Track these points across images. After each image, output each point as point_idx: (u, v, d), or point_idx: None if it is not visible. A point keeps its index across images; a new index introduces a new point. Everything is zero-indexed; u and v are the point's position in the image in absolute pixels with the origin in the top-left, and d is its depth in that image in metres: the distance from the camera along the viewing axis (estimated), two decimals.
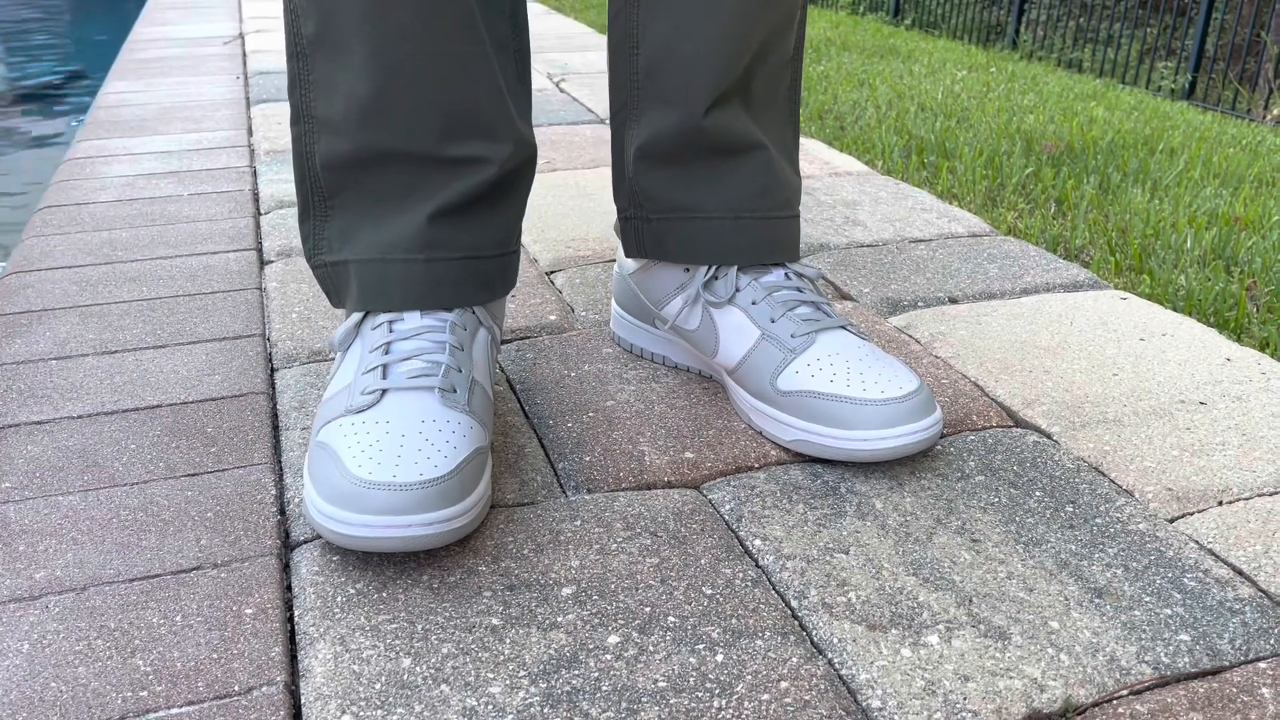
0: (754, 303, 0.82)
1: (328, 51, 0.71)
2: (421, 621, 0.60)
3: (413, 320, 0.74)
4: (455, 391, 0.70)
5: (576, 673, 0.57)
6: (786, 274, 0.84)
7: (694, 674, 0.57)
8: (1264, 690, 0.56)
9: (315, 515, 0.64)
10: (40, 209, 1.35)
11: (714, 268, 0.84)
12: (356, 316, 0.75)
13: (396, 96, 0.72)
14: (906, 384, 0.75)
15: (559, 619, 0.61)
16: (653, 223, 0.85)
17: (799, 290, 0.82)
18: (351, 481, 0.62)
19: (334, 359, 0.77)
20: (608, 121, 1.92)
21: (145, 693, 0.55)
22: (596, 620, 0.61)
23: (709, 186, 0.83)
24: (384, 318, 0.74)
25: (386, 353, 0.72)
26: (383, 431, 0.65)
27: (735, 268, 0.83)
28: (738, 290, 0.83)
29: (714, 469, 0.77)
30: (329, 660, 0.57)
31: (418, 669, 0.57)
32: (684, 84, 0.79)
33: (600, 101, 2.07)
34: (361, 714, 0.54)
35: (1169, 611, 0.62)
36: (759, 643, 0.59)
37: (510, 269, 0.81)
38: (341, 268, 0.76)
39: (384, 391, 0.69)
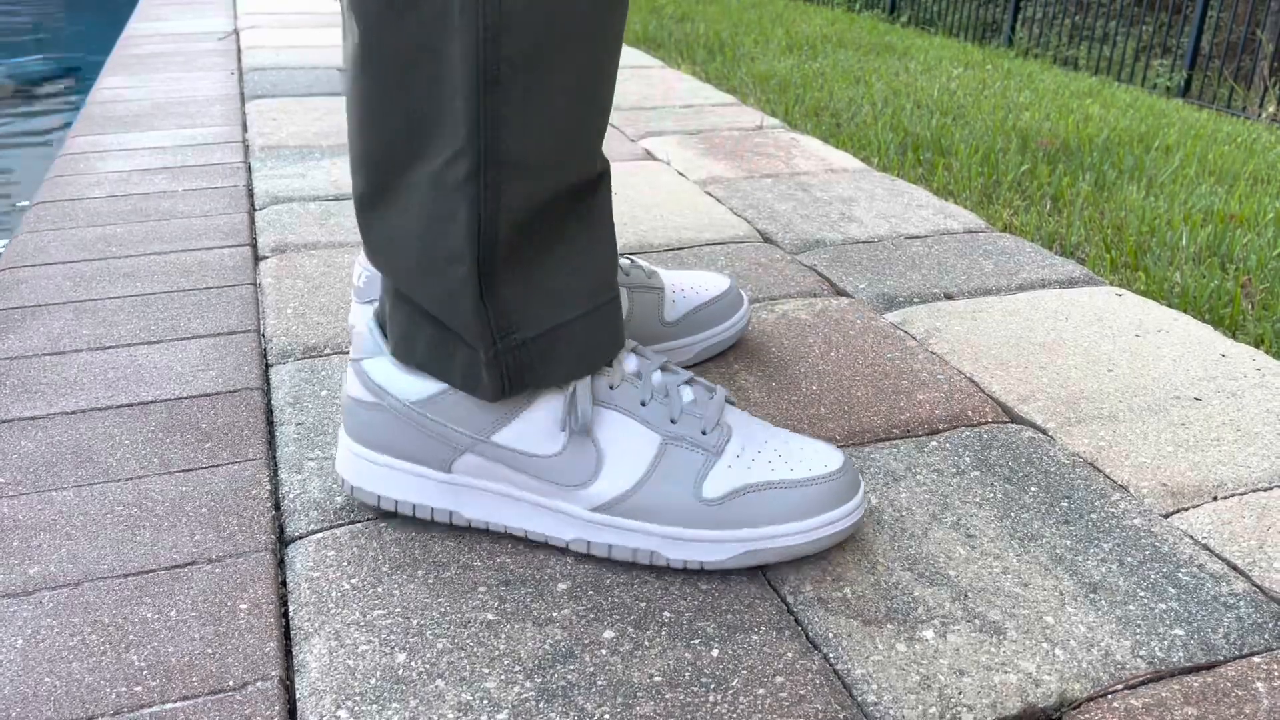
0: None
1: (537, 73, 0.55)
2: (417, 617, 0.60)
3: (631, 360, 0.66)
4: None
5: (572, 668, 0.57)
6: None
7: (689, 669, 0.57)
8: (1258, 685, 0.56)
9: (825, 531, 0.64)
10: (34, 204, 1.35)
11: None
12: (585, 394, 0.63)
13: (600, 114, 0.59)
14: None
15: (554, 614, 0.61)
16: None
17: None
18: (827, 479, 0.64)
19: (552, 455, 0.65)
20: None
21: (139, 688, 0.55)
22: (592, 615, 0.61)
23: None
24: (614, 375, 0.65)
25: (665, 394, 0.66)
26: (773, 445, 0.66)
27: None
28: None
29: None
30: (324, 655, 0.57)
31: (413, 664, 0.57)
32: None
33: None
34: (357, 709, 0.54)
35: (1164, 606, 0.62)
36: (754, 638, 0.59)
37: None
38: (543, 340, 0.62)
39: (720, 420, 0.66)
